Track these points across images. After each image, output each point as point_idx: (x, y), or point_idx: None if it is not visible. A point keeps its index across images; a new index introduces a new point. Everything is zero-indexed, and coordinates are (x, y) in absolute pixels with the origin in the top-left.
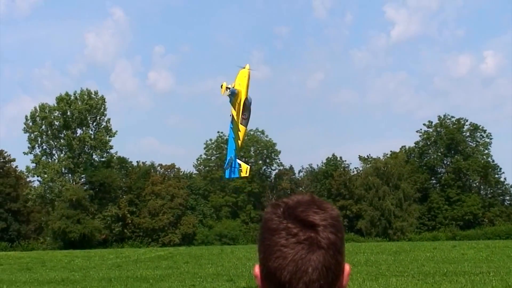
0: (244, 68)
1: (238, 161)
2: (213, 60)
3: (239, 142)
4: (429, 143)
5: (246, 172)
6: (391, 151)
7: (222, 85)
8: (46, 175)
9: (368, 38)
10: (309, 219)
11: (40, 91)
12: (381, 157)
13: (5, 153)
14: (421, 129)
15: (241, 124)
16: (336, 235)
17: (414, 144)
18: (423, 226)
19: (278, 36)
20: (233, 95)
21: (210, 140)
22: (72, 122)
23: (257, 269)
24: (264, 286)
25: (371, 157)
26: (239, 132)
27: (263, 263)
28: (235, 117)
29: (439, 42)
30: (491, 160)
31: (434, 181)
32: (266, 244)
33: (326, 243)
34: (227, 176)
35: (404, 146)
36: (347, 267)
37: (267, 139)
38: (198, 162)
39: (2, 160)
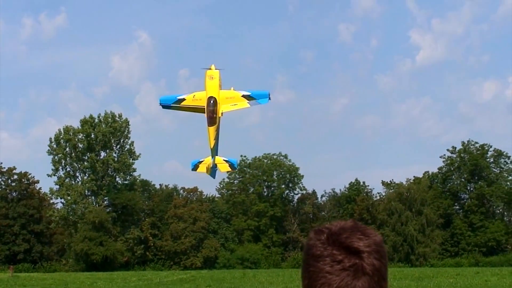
0: (210, 69)
1: (222, 158)
2: (237, 84)
3: (210, 143)
4: (452, 168)
5: (230, 167)
6: (414, 176)
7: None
8: (69, 197)
9: (393, 62)
10: (353, 245)
11: (65, 113)
12: (404, 183)
13: (29, 175)
14: (444, 155)
15: (208, 126)
16: (381, 261)
17: (438, 170)
18: (446, 252)
19: (302, 60)
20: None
21: None
22: (96, 145)
23: None
24: None
25: (394, 182)
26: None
27: None
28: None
29: (464, 67)
30: None
31: (457, 207)
32: (310, 270)
33: (371, 270)
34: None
35: (428, 171)
36: None
37: (290, 163)
38: (221, 185)
39: (26, 182)
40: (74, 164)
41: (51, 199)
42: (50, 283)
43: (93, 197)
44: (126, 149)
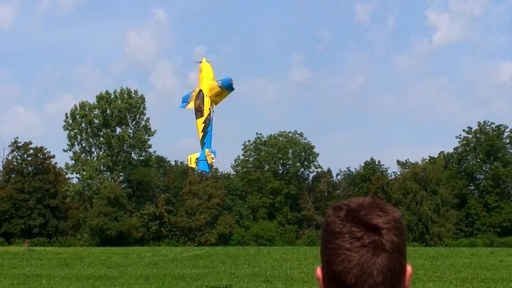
0: (201, 62)
1: (209, 150)
2: (253, 62)
3: (200, 134)
4: (468, 149)
5: (211, 159)
6: (429, 156)
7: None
8: (85, 173)
9: (409, 42)
10: (372, 222)
11: (81, 89)
12: (420, 162)
13: (45, 149)
14: (460, 135)
15: (196, 117)
16: (400, 238)
17: (453, 150)
18: (461, 232)
19: (319, 39)
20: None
21: (248, 141)
22: (112, 121)
23: (319, 272)
24: None
25: (409, 162)
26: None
27: (327, 266)
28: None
29: (481, 48)
30: None
31: (472, 187)
32: (330, 247)
33: (390, 246)
34: (199, 167)
35: (443, 151)
36: (409, 268)
37: (306, 141)
38: (236, 163)
39: (41, 157)
40: (90, 139)
41: (67, 174)
42: (66, 257)
43: (108, 173)
44: (141, 125)
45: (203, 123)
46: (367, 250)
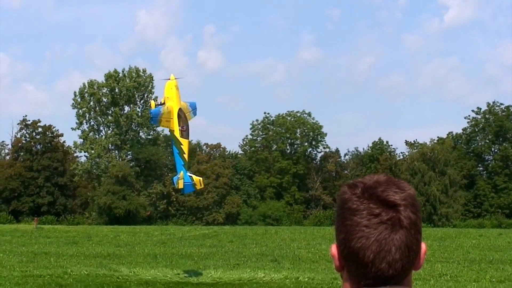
0: (170, 79)
1: (189, 174)
2: (263, 41)
3: (185, 156)
4: (477, 129)
5: (200, 184)
6: (438, 137)
7: (150, 104)
8: (93, 151)
9: (420, 22)
10: (390, 199)
11: (90, 67)
12: (428, 143)
13: (53, 128)
14: (469, 116)
15: (181, 137)
16: (416, 214)
17: (462, 131)
18: (469, 213)
19: (329, 18)
20: (156, 117)
21: (257, 120)
22: (120, 99)
23: (334, 249)
24: (344, 266)
25: (418, 142)
26: (182, 146)
27: (344, 243)
28: (174, 132)
29: (492, 28)
30: None
31: (481, 168)
32: (347, 224)
33: (408, 223)
34: (185, 191)
35: (452, 132)
36: (423, 246)
37: (314, 121)
38: (244, 142)
39: (50, 135)
40: (98, 118)
41: (75, 152)
42: (74, 235)
43: (116, 151)
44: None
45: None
46: (385, 227)
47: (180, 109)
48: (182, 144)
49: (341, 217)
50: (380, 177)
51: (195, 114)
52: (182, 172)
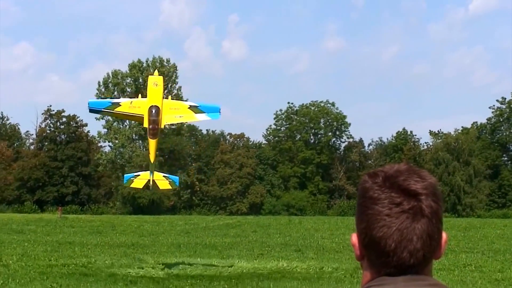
0: (155, 75)
1: (162, 175)
2: (286, 30)
3: (151, 157)
4: (501, 119)
5: (170, 185)
6: (462, 126)
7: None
8: (117, 141)
9: (445, 11)
10: (411, 188)
11: (114, 57)
12: (452, 133)
13: (77, 118)
14: (494, 105)
15: (149, 137)
16: (437, 204)
17: (486, 120)
18: (493, 203)
19: (353, 7)
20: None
21: (280, 110)
22: (144, 89)
23: (354, 238)
24: (364, 255)
25: (442, 132)
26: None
27: (365, 232)
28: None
29: None
30: None
31: (505, 158)
32: (368, 213)
33: (429, 212)
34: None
35: (476, 122)
36: (444, 235)
37: (337, 111)
38: (268, 132)
39: (74, 125)
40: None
41: (99, 142)
42: (98, 225)
43: (140, 141)
44: (173, 94)
45: (157, 143)
46: (407, 216)
47: (153, 107)
48: (148, 144)
49: (362, 206)
50: (401, 166)
51: (212, 117)
52: (161, 173)
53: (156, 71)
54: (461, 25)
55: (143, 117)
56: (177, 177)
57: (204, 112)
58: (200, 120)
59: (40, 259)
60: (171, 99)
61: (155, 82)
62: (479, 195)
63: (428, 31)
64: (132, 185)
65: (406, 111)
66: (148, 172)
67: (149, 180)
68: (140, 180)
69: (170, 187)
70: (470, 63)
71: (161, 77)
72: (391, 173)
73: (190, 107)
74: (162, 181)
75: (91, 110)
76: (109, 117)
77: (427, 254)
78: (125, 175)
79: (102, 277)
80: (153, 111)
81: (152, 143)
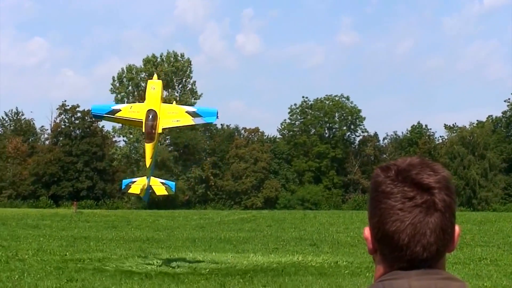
0: (153, 79)
1: (159, 180)
2: (301, 24)
3: (146, 161)
4: None
5: (167, 190)
6: (477, 120)
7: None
8: (131, 136)
9: (460, 4)
10: (424, 181)
11: (129, 52)
12: (467, 126)
13: None
14: (509, 99)
15: (145, 141)
16: (451, 197)
17: (502, 114)
18: (509, 197)
19: (368, 1)
20: (97, 113)
21: (295, 104)
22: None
23: (367, 232)
24: (377, 248)
25: (457, 126)
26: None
27: (378, 226)
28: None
29: None
30: None
31: None
32: (381, 207)
33: (442, 206)
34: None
35: (491, 115)
36: (457, 228)
37: (352, 105)
38: (282, 126)
39: (89, 120)
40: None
41: (114, 137)
42: (113, 219)
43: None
44: (188, 88)
45: (153, 148)
46: (420, 210)
47: (150, 111)
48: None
49: (375, 200)
50: (413, 159)
51: (208, 120)
52: (157, 179)
53: (156, 75)
54: (476, 19)
55: (142, 121)
56: (174, 183)
57: (201, 116)
58: (197, 124)
59: (55, 254)
60: (175, 103)
61: (153, 86)
62: (495, 188)
63: (443, 24)
64: (129, 191)
65: (421, 104)
66: (145, 177)
67: (145, 185)
68: (136, 185)
69: (167, 193)
70: (485, 56)
71: (160, 81)
72: (403, 167)
73: (188, 112)
74: (159, 187)
75: (94, 116)
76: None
77: (441, 248)
78: (123, 180)
79: (117, 272)
80: (150, 116)
81: (148, 147)
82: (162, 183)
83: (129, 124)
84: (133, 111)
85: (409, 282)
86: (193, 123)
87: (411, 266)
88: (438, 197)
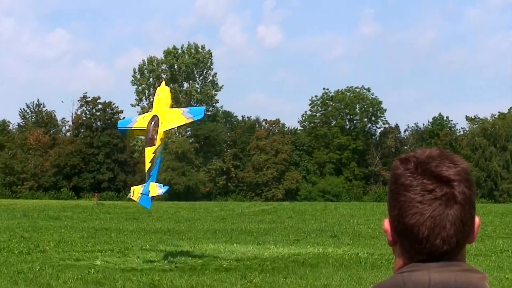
0: (161, 86)
1: (156, 184)
2: (322, 15)
3: (147, 165)
4: None
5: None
6: (499, 112)
7: (132, 190)
8: None
9: None
10: (444, 174)
11: (150, 44)
12: (489, 118)
13: (113, 104)
14: None
15: (146, 145)
16: (470, 189)
17: None
18: None
19: None
20: (124, 129)
21: (316, 96)
22: (179, 76)
23: (386, 224)
24: (396, 241)
25: (478, 118)
26: (145, 154)
27: (397, 219)
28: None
29: None
30: None
31: None
32: (401, 200)
33: (462, 198)
34: (148, 206)
35: None
36: (477, 220)
37: (373, 96)
38: (303, 118)
39: (110, 112)
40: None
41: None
42: (134, 211)
43: (175, 128)
44: (208, 80)
45: (153, 153)
46: (439, 203)
47: (154, 116)
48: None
49: (394, 192)
50: (432, 151)
51: (197, 118)
52: (152, 182)
53: (163, 82)
54: (499, 9)
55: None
56: (167, 187)
57: (192, 115)
58: (188, 122)
59: (77, 245)
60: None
61: (158, 92)
62: None
63: (466, 15)
64: (131, 196)
65: (443, 96)
66: (153, 183)
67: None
68: (134, 193)
69: (158, 192)
70: (507, 47)
71: (168, 88)
72: (422, 159)
73: (182, 113)
74: (154, 189)
75: (120, 130)
76: (145, 104)
77: (460, 240)
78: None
79: (138, 263)
80: (153, 122)
81: (148, 152)
82: (160, 187)
83: (143, 135)
84: (145, 120)
85: (429, 274)
86: (187, 122)
87: (430, 258)
88: (458, 190)
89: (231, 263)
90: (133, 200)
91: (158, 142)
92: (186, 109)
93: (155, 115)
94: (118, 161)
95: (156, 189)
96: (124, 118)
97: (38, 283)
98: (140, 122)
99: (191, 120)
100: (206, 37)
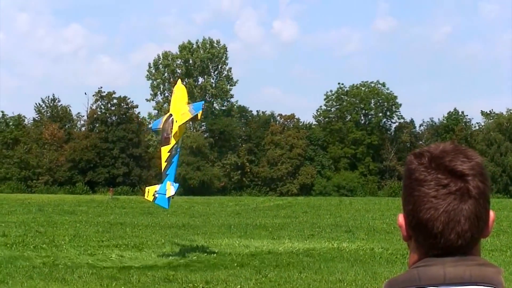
0: (177, 85)
1: (172, 184)
2: (338, 10)
3: (163, 164)
4: None
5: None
6: None
7: (147, 191)
8: None
9: None
10: (458, 168)
11: (165, 39)
12: (504, 113)
13: (128, 99)
14: None
15: (160, 144)
16: (485, 184)
17: None
18: None
19: None
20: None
21: (331, 91)
22: (194, 70)
23: (401, 219)
24: (411, 236)
25: (494, 113)
26: (161, 154)
27: (412, 214)
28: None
29: None
30: None
31: None
32: (415, 195)
33: (476, 193)
34: (165, 206)
35: None
36: (492, 214)
37: (388, 91)
38: (318, 113)
39: (125, 107)
40: (172, 89)
41: (150, 123)
42: (149, 206)
43: (190, 123)
44: (223, 75)
45: (168, 152)
46: (454, 198)
47: (170, 116)
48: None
49: (408, 187)
50: (446, 146)
51: (196, 111)
52: (168, 182)
53: (180, 80)
54: None
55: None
56: (177, 184)
57: (194, 110)
58: (192, 116)
59: (92, 240)
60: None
61: (174, 91)
62: None
63: (481, 10)
64: (145, 197)
65: (458, 91)
66: (169, 183)
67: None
68: (149, 193)
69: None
70: None
71: (183, 87)
72: (437, 154)
73: (189, 109)
74: (169, 189)
75: (154, 131)
76: (159, 99)
77: (475, 234)
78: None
79: (154, 259)
80: (169, 120)
81: (163, 151)
82: (172, 185)
83: None
84: (164, 119)
85: (444, 269)
86: (190, 117)
87: (445, 253)
88: (472, 184)
89: (245, 258)
90: (148, 201)
91: (173, 141)
92: (191, 105)
93: (170, 114)
94: (133, 156)
95: (171, 188)
96: (155, 119)
97: (53, 278)
98: (163, 121)
99: (192, 114)
100: (221, 32)
